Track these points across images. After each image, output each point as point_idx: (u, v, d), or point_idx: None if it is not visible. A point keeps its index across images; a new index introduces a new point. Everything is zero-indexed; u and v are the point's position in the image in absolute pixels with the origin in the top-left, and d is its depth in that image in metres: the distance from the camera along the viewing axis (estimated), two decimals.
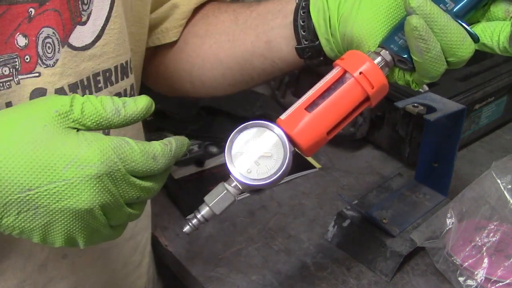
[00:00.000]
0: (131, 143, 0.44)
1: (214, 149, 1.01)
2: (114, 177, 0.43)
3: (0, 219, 0.42)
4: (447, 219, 0.77)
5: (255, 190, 0.52)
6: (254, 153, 0.49)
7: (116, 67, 0.60)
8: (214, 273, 0.76)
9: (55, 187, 0.41)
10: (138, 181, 0.44)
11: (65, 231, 0.44)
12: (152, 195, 0.47)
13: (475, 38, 0.49)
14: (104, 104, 0.44)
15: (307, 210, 0.88)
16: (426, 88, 0.96)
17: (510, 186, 0.74)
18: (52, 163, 0.41)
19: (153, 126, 1.07)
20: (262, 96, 1.14)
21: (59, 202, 0.42)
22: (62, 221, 0.43)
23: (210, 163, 0.98)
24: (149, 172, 0.44)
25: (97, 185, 0.42)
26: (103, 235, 0.46)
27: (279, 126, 0.49)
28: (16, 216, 0.42)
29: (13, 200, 0.41)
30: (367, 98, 0.49)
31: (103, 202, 0.43)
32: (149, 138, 0.53)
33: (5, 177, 0.40)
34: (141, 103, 0.45)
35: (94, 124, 0.44)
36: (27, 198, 0.41)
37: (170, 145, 0.46)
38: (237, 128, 0.50)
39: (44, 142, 0.41)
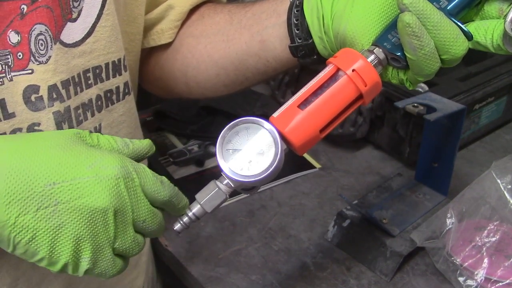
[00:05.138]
0: (144, 165, 0.49)
1: (214, 149, 1.00)
2: (128, 186, 0.46)
3: (17, 218, 0.42)
4: (447, 219, 0.76)
5: (247, 189, 0.52)
6: (246, 150, 0.49)
7: (107, 64, 0.60)
8: (214, 273, 0.76)
9: (78, 183, 0.44)
10: (147, 201, 0.47)
11: (75, 238, 0.44)
12: (156, 224, 0.49)
13: (468, 36, 0.48)
14: (115, 139, 0.50)
15: (307, 210, 0.88)
16: (426, 88, 0.96)
17: (510, 186, 0.74)
18: (77, 162, 0.45)
19: (153, 126, 1.08)
20: (262, 96, 1.14)
21: (79, 199, 0.44)
22: (76, 223, 0.44)
23: (210, 163, 0.98)
24: (157, 193, 0.48)
25: (114, 187, 0.45)
26: (105, 258, 0.47)
27: (271, 123, 0.49)
28: (34, 214, 0.42)
29: (36, 193, 0.43)
30: (360, 96, 0.49)
31: (116, 206, 0.45)
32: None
33: (32, 170, 0.43)
34: (145, 142, 0.52)
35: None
36: (50, 191, 0.43)
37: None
38: (229, 125, 0.49)
39: (71, 147, 0.46)
